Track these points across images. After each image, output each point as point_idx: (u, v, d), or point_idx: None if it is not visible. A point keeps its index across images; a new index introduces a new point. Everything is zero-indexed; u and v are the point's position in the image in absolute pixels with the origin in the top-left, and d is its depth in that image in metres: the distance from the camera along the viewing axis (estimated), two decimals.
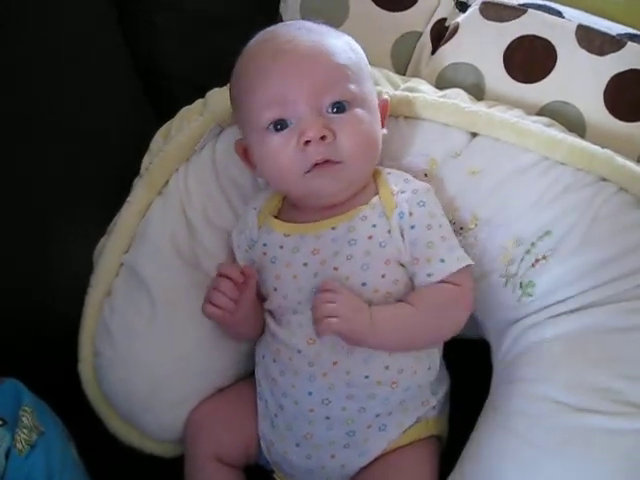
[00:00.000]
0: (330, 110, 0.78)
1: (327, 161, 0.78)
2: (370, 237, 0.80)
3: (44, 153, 0.90)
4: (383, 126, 0.85)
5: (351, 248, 0.80)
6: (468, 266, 0.80)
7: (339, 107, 0.79)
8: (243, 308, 0.83)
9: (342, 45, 0.82)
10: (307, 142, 0.77)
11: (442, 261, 0.79)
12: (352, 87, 0.79)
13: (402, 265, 0.81)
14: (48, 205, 0.90)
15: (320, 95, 0.78)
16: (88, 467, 0.82)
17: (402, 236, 0.80)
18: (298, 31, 0.82)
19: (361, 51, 0.85)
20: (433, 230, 0.80)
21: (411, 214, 0.80)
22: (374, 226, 0.81)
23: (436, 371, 0.84)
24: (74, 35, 0.97)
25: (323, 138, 0.77)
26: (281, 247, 0.83)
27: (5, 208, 0.85)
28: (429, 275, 0.79)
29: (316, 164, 0.78)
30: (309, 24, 0.84)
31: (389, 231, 0.80)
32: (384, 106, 0.85)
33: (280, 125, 0.79)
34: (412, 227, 0.80)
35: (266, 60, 0.80)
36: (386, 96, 0.86)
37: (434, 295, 0.79)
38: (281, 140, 0.79)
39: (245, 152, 0.86)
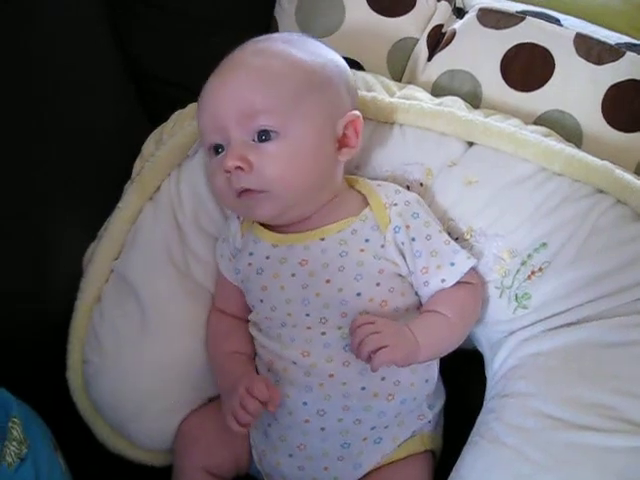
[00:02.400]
0: (256, 138, 0.77)
1: (250, 190, 0.77)
2: (362, 250, 0.79)
3: (34, 156, 0.88)
4: (352, 145, 0.81)
5: (342, 259, 0.79)
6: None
7: (265, 136, 0.76)
8: None
9: (287, 68, 0.78)
10: (227, 171, 0.76)
11: (452, 265, 0.79)
12: (283, 115, 0.76)
13: (400, 275, 0.80)
14: (37, 209, 0.88)
15: (246, 122, 0.76)
16: (76, 475, 0.81)
17: (400, 250, 0.80)
18: (253, 51, 0.80)
19: (331, 68, 0.81)
20: (433, 238, 0.80)
21: (408, 227, 0.80)
22: (367, 240, 0.80)
23: (433, 384, 0.83)
24: (65, 37, 0.95)
25: (240, 168, 0.76)
26: (267, 257, 0.82)
27: None
28: (443, 280, 0.79)
29: (243, 192, 0.77)
30: (280, 40, 0.82)
31: (383, 245, 0.80)
32: (354, 123, 0.81)
33: (220, 148, 0.79)
34: (413, 239, 0.79)
35: (214, 80, 0.80)
36: (356, 112, 0.82)
37: (457, 298, 0.80)
38: (216, 164, 0.79)
39: None
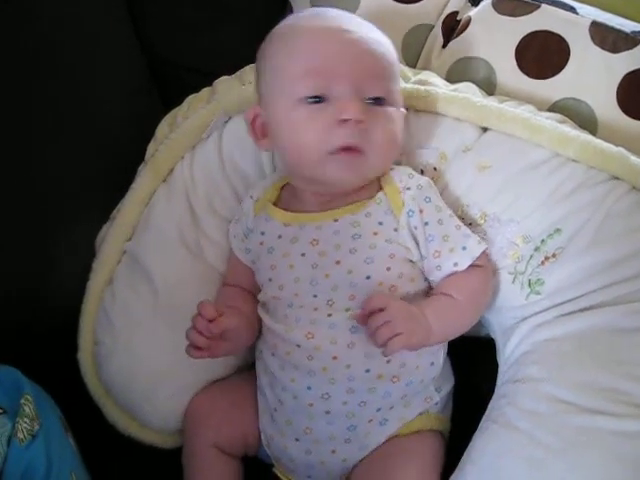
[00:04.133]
0: (369, 100, 0.77)
1: (352, 149, 0.76)
2: (376, 233, 0.79)
3: (50, 139, 0.89)
4: None
5: (355, 242, 0.79)
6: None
7: (378, 101, 0.78)
8: (226, 343, 0.80)
9: (389, 44, 0.82)
10: (344, 121, 0.75)
11: (464, 249, 0.79)
12: (392, 86, 0.80)
13: (410, 261, 0.80)
14: (52, 191, 0.89)
15: (366, 83, 0.77)
16: (86, 457, 0.81)
17: (412, 234, 0.80)
18: (349, 19, 0.82)
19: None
20: (445, 223, 0.80)
21: (421, 211, 0.80)
22: (380, 223, 0.80)
23: (439, 368, 0.83)
24: (82, 22, 0.96)
25: (359, 122, 0.75)
26: (279, 237, 0.82)
27: (7, 195, 0.84)
28: (456, 264, 0.79)
29: (343, 149, 0.76)
30: (355, 17, 0.84)
31: (396, 229, 0.80)
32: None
33: (317, 99, 0.77)
34: (426, 224, 0.80)
35: (321, 33, 0.79)
36: (404, 110, 0.84)
37: (467, 282, 0.80)
38: (313, 114, 0.77)
39: (255, 120, 0.83)
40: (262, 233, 0.84)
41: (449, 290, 0.80)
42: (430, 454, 0.80)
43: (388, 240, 0.79)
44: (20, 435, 0.70)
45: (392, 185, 0.81)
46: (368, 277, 0.78)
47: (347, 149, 0.76)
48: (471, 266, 0.80)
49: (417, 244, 0.80)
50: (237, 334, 0.82)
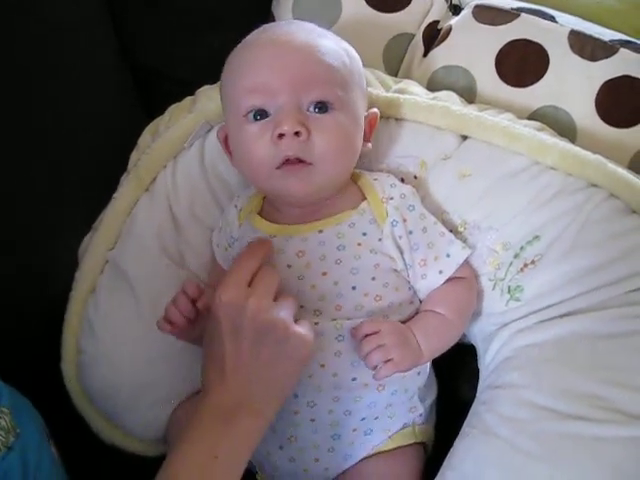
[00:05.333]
0: (311, 109, 0.76)
1: (298, 161, 0.76)
2: (360, 244, 0.79)
3: (31, 149, 0.89)
4: (369, 140, 0.83)
5: (340, 253, 0.79)
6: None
7: (320, 107, 0.76)
8: (196, 330, 0.80)
9: (338, 49, 0.80)
10: (281, 135, 0.74)
11: (448, 256, 0.80)
12: (337, 91, 0.77)
13: (395, 270, 0.80)
14: (34, 201, 0.89)
15: (303, 91, 0.75)
16: (70, 465, 0.81)
17: (397, 244, 0.80)
18: (297, 28, 0.80)
19: (358, 60, 0.83)
20: (429, 231, 0.81)
21: (405, 220, 0.80)
22: (364, 234, 0.80)
23: (425, 377, 0.84)
24: (62, 30, 0.95)
25: (297, 134, 0.74)
26: None
27: None
28: (441, 272, 0.80)
29: (287, 162, 0.76)
30: (311, 25, 0.82)
31: (380, 239, 0.80)
32: (372, 119, 0.83)
33: (259, 115, 0.77)
34: (410, 232, 0.80)
35: (258, 48, 0.78)
36: (376, 110, 0.84)
37: (454, 296, 0.80)
38: (257, 130, 0.77)
39: (226, 139, 0.84)
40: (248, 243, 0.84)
41: (436, 307, 0.80)
42: (413, 470, 0.81)
43: (372, 250, 0.79)
44: None
45: (375, 195, 0.82)
46: (354, 287, 0.78)
47: (291, 162, 0.76)
48: (455, 278, 0.80)
49: (401, 253, 0.80)
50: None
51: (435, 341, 0.79)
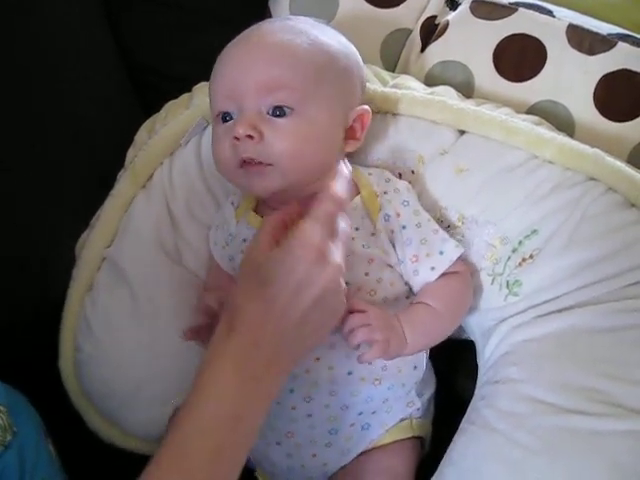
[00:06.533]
0: (271, 112, 0.76)
1: (253, 160, 0.76)
2: (353, 238, 0.79)
3: (29, 145, 0.89)
4: (358, 137, 0.82)
5: None
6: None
7: (279, 112, 0.76)
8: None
9: (312, 48, 0.78)
10: (236, 138, 0.75)
11: (441, 253, 0.79)
12: (302, 94, 0.76)
13: (389, 265, 0.80)
14: (31, 198, 0.88)
15: (263, 95, 0.75)
16: (68, 463, 0.81)
17: (390, 238, 0.80)
18: (276, 27, 0.79)
19: (344, 58, 0.81)
20: (423, 227, 0.80)
21: (398, 215, 0.80)
22: (357, 229, 0.80)
23: (422, 372, 0.83)
24: (60, 28, 0.96)
25: (250, 137, 0.75)
26: None
27: None
28: (433, 268, 0.79)
29: (247, 163, 0.76)
30: (299, 22, 0.81)
31: (373, 234, 0.80)
32: (361, 116, 0.81)
33: (227, 117, 0.78)
34: (403, 227, 0.80)
35: (232, 50, 0.79)
36: (366, 107, 0.82)
37: (445, 289, 0.80)
38: (223, 131, 0.78)
39: None
40: (244, 240, 0.83)
41: (427, 299, 0.80)
42: (409, 464, 0.81)
43: (365, 245, 0.79)
44: None
45: (369, 190, 0.81)
46: (347, 283, 0.78)
47: (250, 163, 0.76)
48: (449, 273, 0.80)
49: (394, 248, 0.80)
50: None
51: (421, 332, 0.78)
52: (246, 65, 0.76)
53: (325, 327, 0.71)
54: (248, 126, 0.74)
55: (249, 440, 0.66)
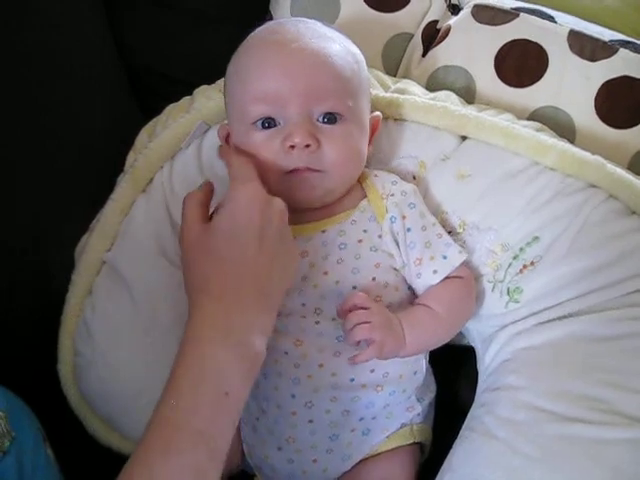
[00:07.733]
0: (321, 119, 0.76)
1: (308, 168, 0.76)
2: (360, 241, 0.79)
3: (28, 149, 0.88)
4: (370, 143, 0.83)
5: (341, 252, 0.79)
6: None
7: (330, 118, 0.76)
8: None
9: (347, 56, 0.79)
10: (291, 147, 0.75)
11: (444, 258, 0.79)
12: (347, 101, 0.77)
13: (394, 269, 0.80)
14: (31, 202, 0.88)
15: (314, 102, 0.75)
16: (67, 467, 0.80)
17: (396, 240, 0.80)
18: (306, 31, 0.79)
19: (364, 63, 0.83)
20: (428, 230, 0.80)
21: (404, 217, 0.80)
22: (365, 231, 0.80)
23: (422, 376, 0.83)
24: (61, 30, 0.95)
25: (308, 146, 0.75)
26: None
27: None
28: (435, 272, 0.79)
29: (296, 169, 0.76)
30: (318, 25, 0.81)
31: (380, 236, 0.80)
32: (375, 122, 0.83)
33: (268, 123, 0.77)
34: (408, 230, 0.80)
35: (268, 53, 0.77)
36: (378, 113, 0.84)
37: (447, 293, 0.80)
38: (266, 138, 0.77)
39: (228, 137, 0.83)
40: None
41: (428, 302, 0.80)
42: (409, 471, 0.81)
43: (373, 248, 0.79)
44: None
45: (375, 192, 0.82)
46: (354, 287, 0.78)
47: (301, 169, 0.76)
48: (452, 277, 0.80)
49: (399, 250, 0.80)
50: None
51: (420, 334, 0.78)
52: (291, 70, 0.75)
53: (283, 261, 0.72)
54: (307, 135, 0.75)
55: (237, 415, 0.66)
